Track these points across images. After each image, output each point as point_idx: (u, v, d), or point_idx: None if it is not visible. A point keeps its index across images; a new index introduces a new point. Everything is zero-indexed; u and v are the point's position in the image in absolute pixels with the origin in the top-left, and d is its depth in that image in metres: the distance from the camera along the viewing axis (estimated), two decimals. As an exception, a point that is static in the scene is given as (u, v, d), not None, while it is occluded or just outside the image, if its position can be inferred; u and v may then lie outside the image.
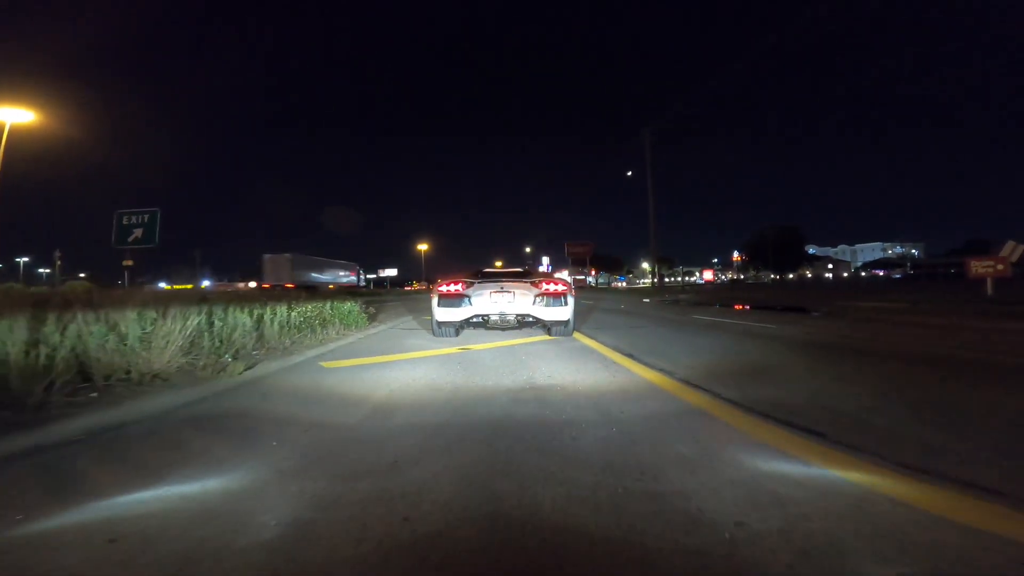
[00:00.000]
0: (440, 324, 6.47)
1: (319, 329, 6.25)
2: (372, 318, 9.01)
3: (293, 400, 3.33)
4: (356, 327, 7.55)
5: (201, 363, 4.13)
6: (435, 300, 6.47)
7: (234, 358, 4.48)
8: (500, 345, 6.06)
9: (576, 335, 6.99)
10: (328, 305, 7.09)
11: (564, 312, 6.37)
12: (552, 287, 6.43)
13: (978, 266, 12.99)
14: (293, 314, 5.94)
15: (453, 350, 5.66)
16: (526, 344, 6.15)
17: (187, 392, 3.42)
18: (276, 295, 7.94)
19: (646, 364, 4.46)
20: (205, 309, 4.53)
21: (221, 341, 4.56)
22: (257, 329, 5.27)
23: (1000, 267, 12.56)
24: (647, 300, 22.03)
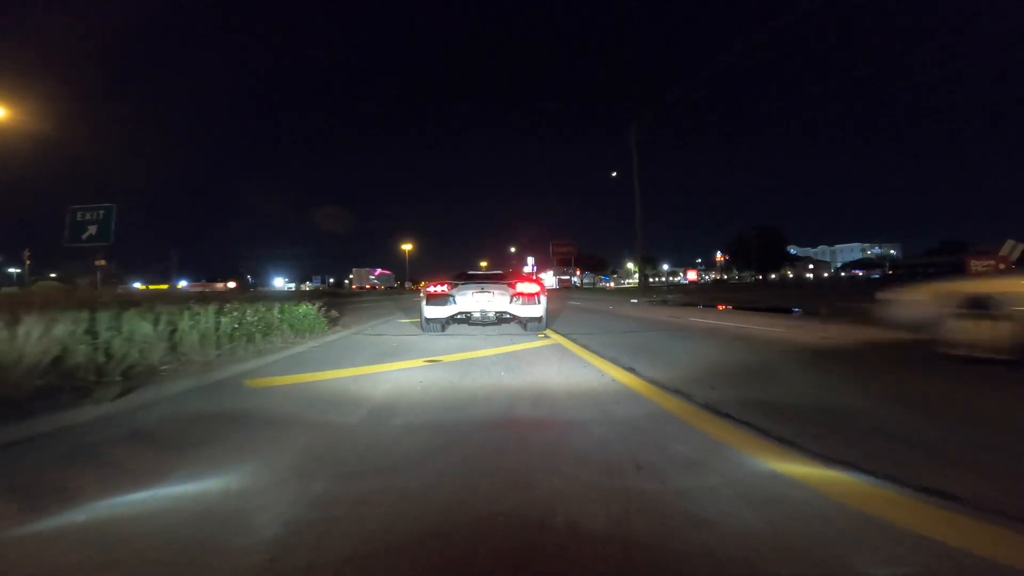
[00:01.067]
0: (428, 321, 6.97)
1: (259, 338, 5.19)
2: (334, 322, 7.94)
3: (173, 441, 2.33)
4: (312, 333, 6.50)
5: (72, 385, 3.10)
6: (423, 299, 6.99)
7: (124, 377, 3.45)
8: (476, 356, 5.12)
9: (565, 342, 6.09)
10: (276, 308, 6.03)
11: (537, 310, 6.86)
12: (527, 288, 6.90)
13: (978, 265, 12.48)
14: (224, 320, 4.87)
15: (418, 362, 4.69)
16: (508, 353, 5.22)
17: (5, 432, 2.38)
18: (222, 297, 6.92)
19: (657, 384, 3.56)
20: (86, 315, 3.48)
21: (109, 356, 3.51)
22: (170, 339, 4.22)
23: (1001, 267, 12.07)
24: (635, 301, 21.32)
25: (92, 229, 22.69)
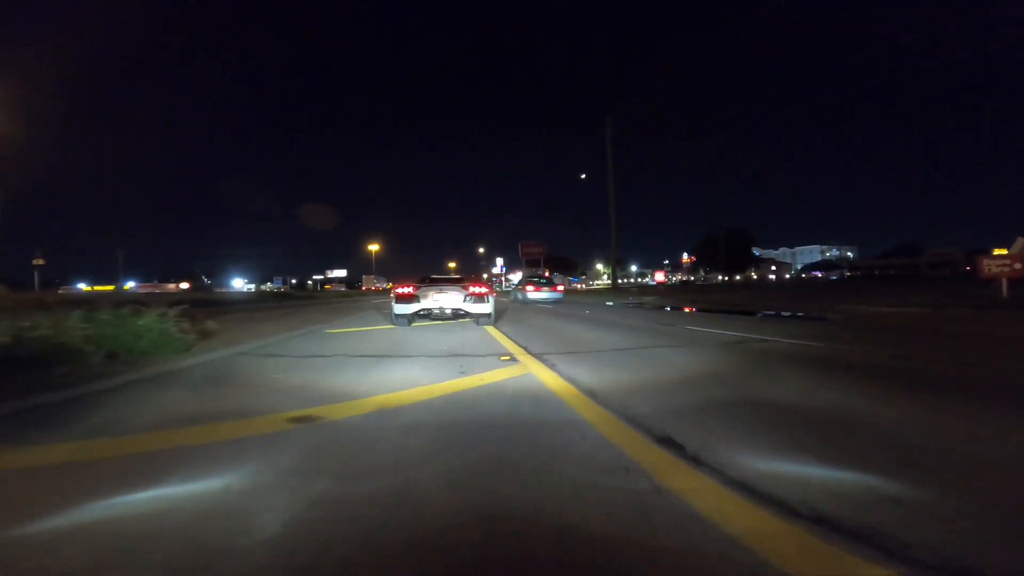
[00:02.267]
0: (397, 316, 8.23)
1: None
2: (207, 335, 5.56)
3: None
4: (154, 356, 4.20)
5: None
6: (393, 299, 8.31)
7: None
8: (393, 402, 2.99)
9: (541, 372, 4.03)
10: (75, 316, 3.69)
11: (486, 307, 8.12)
12: (477, 289, 8.18)
13: (991, 265, 11.39)
14: None
15: (277, 420, 2.53)
16: (445, 397, 3.13)
17: None
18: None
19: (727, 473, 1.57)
20: None
21: None
22: None
23: (1018, 266, 10.97)
24: (611, 303, 19.57)
25: (-24, 221, 19.75)
